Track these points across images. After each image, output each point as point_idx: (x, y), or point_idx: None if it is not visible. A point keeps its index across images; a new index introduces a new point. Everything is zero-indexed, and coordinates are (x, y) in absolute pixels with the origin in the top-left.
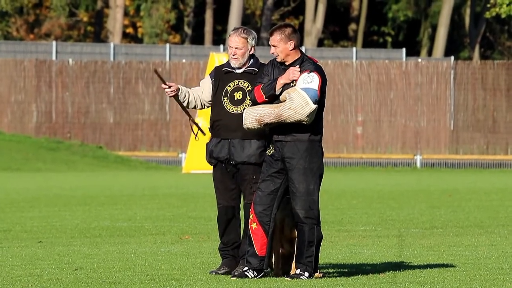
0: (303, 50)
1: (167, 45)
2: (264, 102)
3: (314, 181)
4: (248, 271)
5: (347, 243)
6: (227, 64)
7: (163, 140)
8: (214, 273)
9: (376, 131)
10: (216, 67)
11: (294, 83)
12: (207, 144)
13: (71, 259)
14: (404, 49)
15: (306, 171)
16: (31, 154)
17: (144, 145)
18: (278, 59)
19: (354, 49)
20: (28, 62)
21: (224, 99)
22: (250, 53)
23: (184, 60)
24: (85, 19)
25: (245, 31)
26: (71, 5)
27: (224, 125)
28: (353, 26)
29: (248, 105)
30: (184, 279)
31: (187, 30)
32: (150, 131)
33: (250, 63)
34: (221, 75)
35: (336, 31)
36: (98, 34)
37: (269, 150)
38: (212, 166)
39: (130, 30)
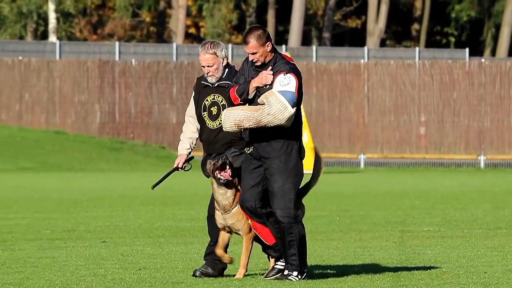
0: (365, 51)
1: (229, 45)
2: (241, 104)
3: (290, 180)
4: (276, 264)
5: (410, 243)
6: (205, 78)
7: None
8: (197, 273)
9: (439, 132)
10: (197, 79)
11: (268, 87)
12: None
13: (135, 259)
14: (467, 49)
15: (281, 170)
16: (94, 154)
17: None
18: (259, 64)
19: (417, 49)
20: (91, 63)
21: (204, 114)
22: (223, 64)
23: None
24: (148, 19)
25: (211, 45)
26: (134, 6)
27: (206, 140)
28: (416, 26)
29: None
30: (247, 279)
31: None
32: None
33: (224, 75)
34: (201, 89)
35: (399, 31)
36: (160, 34)
37: (248, 149)
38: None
39: (192, 30)
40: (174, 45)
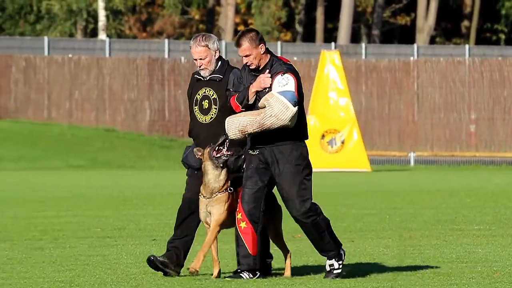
0: (415, 48)
1: (278, 42)
2: (243, 111)
3: (304, 182)
4: (243, 272)
5: (461, 242)
6: (198, 71)
7: None
8: (152, 257)
9: (490, 129)
10: (192, 74)
11: (267, 90)
12: (186, 147)
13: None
14: None
15: (294, 174)
16: (144, 152)
17: None
18: (253, 67)
19: (466, 46)
20: (140, 60)
21: (195, 108)
22: (216, 57)
23: (295, 58)
24: (197, 17)
25: (203, 38)
26: (183, 3)
27: (196, 135)
28: (465, 23)
29: (215, 113)
30: (296, 278)
31: (298, 28)
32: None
33: (216, 69)
34: (194, 83)
35: (449, 28)
36: (209, 32)
37: (253, 151)
38: None
39: (241, 27)
40: (223, 42)
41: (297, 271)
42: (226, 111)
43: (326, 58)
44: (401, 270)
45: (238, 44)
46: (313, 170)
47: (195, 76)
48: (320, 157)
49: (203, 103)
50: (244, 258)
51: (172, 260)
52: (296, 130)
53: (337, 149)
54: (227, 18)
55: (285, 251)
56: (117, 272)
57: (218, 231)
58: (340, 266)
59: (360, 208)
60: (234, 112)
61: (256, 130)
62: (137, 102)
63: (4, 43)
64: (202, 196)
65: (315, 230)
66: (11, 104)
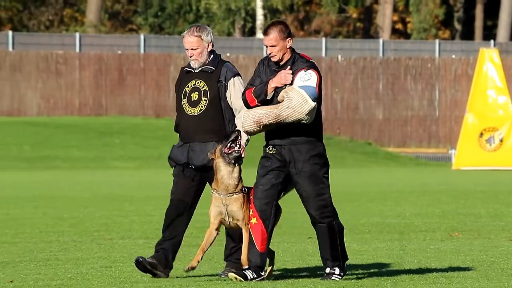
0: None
1: (436, 40)
2: (258, 106)
3: (322, 180)
4: (247, 269)
5: None
6: (189, 64)
7: (432, 136)
8: (140, 258)
9: None
10: (181, 68)
11: (287, 86)
12: (173, 146)
13: None
14: None
15: (312, 173)
16: None
17: (414, 141)
18: (275, 59)
19: None
20: None
21: (183, 101)
22: (208, 49)
23: (453, 56)
24: (355, 15)
25: (198, 28)
26: (341, 2)
27: (183, 129)
28: None
29: (204, 105)
30: (454, 277)
31: (457, 26)
32: (419, 127)
33: (208, 61)
34: (183, 76)
35: None
36: (367, 30)
37: (269, 149)
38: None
39: (399, 25)
40: (381, 40)
41: (454, 270)
42: (217, 103)
43: (485, 56)
44: None
45: (266, 33)
46: (471, 168)
47: (185, 69)
48: (478, 155)
49: (192, 95)
50: (252, 255)
51: (161, 261)
52: (313, 129)
53: (496, 147)
54: (384, 16)
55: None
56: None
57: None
58: (341, 276)
59: None
60: (249, 106)
61: (272, 121)
62: None
63: (163, 42)
64: (215, 192)
65: (329, 233)
66: (170, 102)
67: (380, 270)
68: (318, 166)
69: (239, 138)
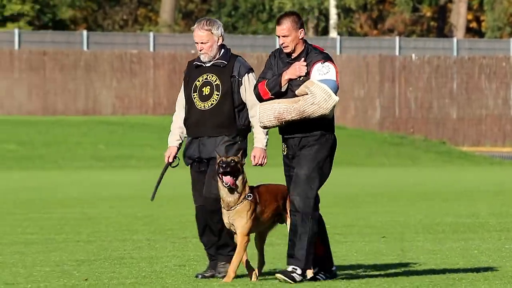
0: None
1: (511, 39)
2: (270, 99)
3: (317, 171)
4: (295, 271)
5: None
6: (198, 58)
7: (507, 135)
8: (200, 276)
9: None
10: (188, 62)
11: (302, 78)
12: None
13: (414, 255)
14: None
15: (311, 159)
16: (374, 149)
17: (488, 140)
18: (288, 50)
19: None
20: (371, 58)
21: (194, 95)
22: (219, 44)
23: None
24: (428, 14)
25: (208, 22)
26: (415, 0)
27: (193, 123)
28: None
29: (216, 100)
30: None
31: None
32: (493, 126)
33: (219, 55)
34: (192, 70)
35: None
36: (441, 29)
37: (283, 150)
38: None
39: (473, 24)
40: (455, 39)
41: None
42: (229, 97)
43: None
44: None
45: (278, 23)
46: None
47: (194, 63)
48: None
49: (203, 89)
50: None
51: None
52: (326, 121)
53: None
54: (459, 15)
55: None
56: (346, 268)
57: (246, 242)
58: (300, 277)
59: None
60: (261, 99)
61: (295, 117)
62: (367, 100)
63: (236, 41)
64: (222, 207)
65: (301, 227)
66: None
67: (455, 270)
68: (320, 156)
69: (233, 170)
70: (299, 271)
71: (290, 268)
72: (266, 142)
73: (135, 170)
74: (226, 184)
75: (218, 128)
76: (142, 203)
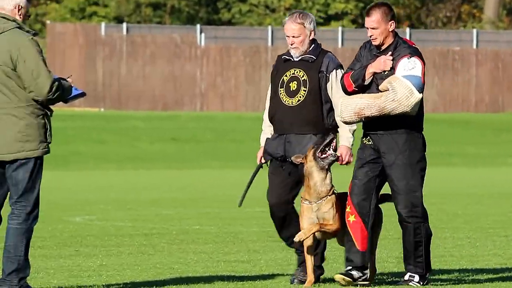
0: None
1: None
2: (354, 92)
3: (416, 177)
4: (352, 270)
5: None
6: (288, 52)
7: None
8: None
9: None
10: (278, 56)
11: (387, 73)
12: (266, 138)
13: None
14: None
15: (406, 166)
16: None
17: None
18: (376, 42)
19: None
20: None
21: (280, 90)
22: (310, 38)
23: None
24: None
25: (301, 15)
26: None
27: (279, 120)
28: None
29: (303, 96)
30: None
31: None
32: None
33: (310, 50)
34: (280, 64)
35: None
36: None
37: (367, 140)
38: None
39: None
40: None
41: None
42: (316, 94)
43: None
44: None
45: (368, 14)
46: None
47: (283, 57)
48: None
49: (290, 84)
50: (353, 254)
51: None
52: (414, 120)
53: None
54: None
55: (372, 270)
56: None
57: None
58: (420, 284)
59: None
60: (346, 91)
61: (375, 114)
62: None
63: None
64: (306, 202)
65: (414, 235)
66: None
67: None
68: (414, 160)
69: (334, 141)
70: (417, 278)
71: (407, 276)
72: (352, 141)
73: (457, 168)
74: (332, 156)
75: (305, 126)
76: (463, 201)
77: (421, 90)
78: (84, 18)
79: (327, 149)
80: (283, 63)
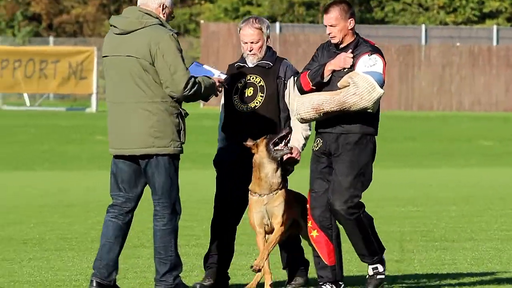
0: None
1: None
2: (312, 90)
3: (359, 178)
4: (325, 284)
5: None
6: (241, 59)
7: None
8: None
9: None
10: (229, 65)
11: (346, 70)
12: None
13: None
14: None
15: (353, 164)
16: None
17: None
18: (335, 40)
19: None
20: None
21: (234, 97)
22: (267, 44)
23: None
24: None
25: (257, 20)
26: None
27: (233, 127)
28: None
29: (260, 102)
30: None
31: None
32: None
33: (266, 56)
34: (233, 71)
35: None
36: None
37: (315, 145)
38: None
39: None
40: None
41: None
42: (273, 100)
43: None
44: None
45: (326, 11)
46: None
47: (236, 64)
48: None
49: (245, 90)
50: (322, 270)
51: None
52: (369, 122)
53: None
54: None
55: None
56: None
57: (281, 234)
58: (384, 272)
59: None
60: (303, 91)
61: (334, 109)
62: None
63: None
64: (255, 195)
65: (359, 229)
66: None
67: None
68: (363, 160)
69: (289, 136)
70: (380, 268)
71: (370, 271)
72: (303, 146)
73: None
74: (286, 149)
75: (260, 133)
76: None
77: (382, 86)
78: (237, 17)
79: (280, 142)
80: (237, 69)
